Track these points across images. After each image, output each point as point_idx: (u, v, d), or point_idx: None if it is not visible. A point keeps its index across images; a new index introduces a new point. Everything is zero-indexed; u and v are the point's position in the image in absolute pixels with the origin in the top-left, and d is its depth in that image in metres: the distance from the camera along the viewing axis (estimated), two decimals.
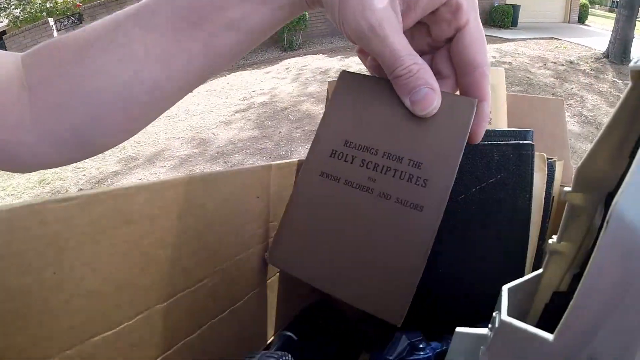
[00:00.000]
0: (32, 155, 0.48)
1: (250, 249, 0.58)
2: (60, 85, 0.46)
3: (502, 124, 0.68)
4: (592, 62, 9.68)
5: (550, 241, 0.41)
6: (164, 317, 0.46)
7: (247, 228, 0.57)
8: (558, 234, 0.40)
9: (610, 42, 9.99)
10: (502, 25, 13.14)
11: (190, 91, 0.51)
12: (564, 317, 0.28)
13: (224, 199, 0.52)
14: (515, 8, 13.46)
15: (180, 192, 0.46)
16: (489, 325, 0.41)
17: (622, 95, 0.33)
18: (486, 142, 0.60)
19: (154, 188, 0.43)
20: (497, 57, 9.57)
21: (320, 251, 0.48)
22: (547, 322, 0.39)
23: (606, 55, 9.93)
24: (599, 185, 0.37)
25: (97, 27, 0.47)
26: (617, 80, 8.47)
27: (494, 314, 0.40)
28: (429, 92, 0.43)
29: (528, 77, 7.81)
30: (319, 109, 5.83)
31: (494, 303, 0.43)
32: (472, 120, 0.45)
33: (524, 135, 0.62)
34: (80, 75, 0.45)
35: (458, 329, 0.48)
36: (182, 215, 0.46)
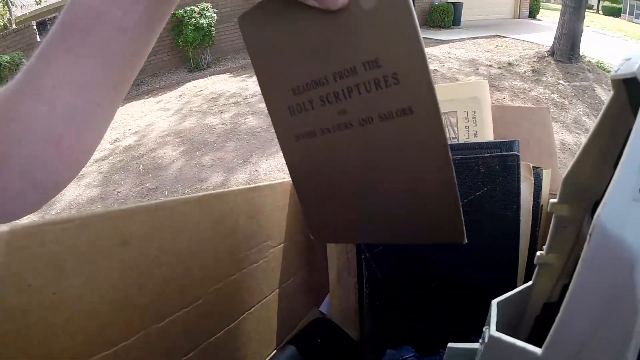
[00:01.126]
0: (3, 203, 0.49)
1: (245, 269, 0.58)
2: (2, 134, 0.47)
3: (488, 136, 0.69)
4: (534, 62, 8.60)
5: (538, 253, 0.41)
6: (160, 336, 0.46)
7: (240, 248, 0.57)
8: (546, 245, 0.40)
9: (555, 37, 8.76)
10: (442, 25, 12.16)
11: (116, 103, 0.51)
12: (551, 331, 0.29)
13: (218, 220, 0.52)
14: (457, 6, 12.54)
15: (176, 213, 0.46)
16: (480, 340, 0.41)
17: (605, 105, 0.33)
18: (472, 155, 0.60)
19: (150, 209, 0.44)
20: None
21: (351, 209, 0.44)
22: (539, 334, 0.39)
23: (551, 52, 8.79)
24: (585, 195, 0.37)
25: (18, 75, 0.48)
26: (563, 82, 7.44)
27: (484, 328, 0.40)
28: None
29: None
30: (176, 154, 5.34)
31: (487, 315, 0.43)
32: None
33: (509, 145, 0.62)
34: (11, 121, 0.46)
35: (450, 344, 0.48)
36: (177, 235, 0.47)
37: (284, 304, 0.71)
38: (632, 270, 0.24)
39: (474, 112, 0.67)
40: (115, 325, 0.42)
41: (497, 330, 0.37)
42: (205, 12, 10.59)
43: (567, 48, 8.55)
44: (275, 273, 0.67)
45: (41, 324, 0.35)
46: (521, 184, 0.60)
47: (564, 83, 7.43)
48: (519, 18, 15.57)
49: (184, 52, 10.69)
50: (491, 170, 0.59)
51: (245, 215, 0.57)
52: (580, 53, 8.80)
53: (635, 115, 0.27)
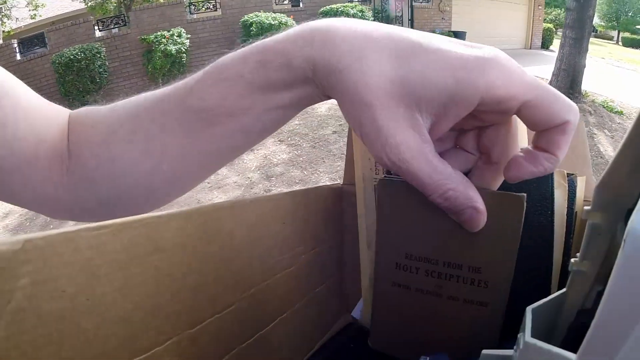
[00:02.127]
0: (65, 211, 0.51)
1: (277, 274, 0.58)
2: (89, 161, 0.48)
3: (522, 142, 0.67)
4: None
5: (572, 260, 0.41)
6: (192, 342, 0.46)
7: (272, 254, 0.57)
8: (580, 252, 0.40)
9: (553, 74, 7.49)
10: None
11: (207, 177, 0.54)
12: (586, 337, 0.28)
13: (251, 226, 0.52)
14: (459, 35, 11.38)
15: (209, 220, 0.46)
16: (514, 347, 0.41)
17: (638, 112, 0.33)
18: None
19: (184, 216, 0.43)
20: None
21: (410, 338, 0.57)
22: (573, 341, 0.38)
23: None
24: (619, 202, 0.36)
25: (122, 113, 0.49)
26: None
27: (519, 335, 0.40)
28: (473, 214, 0.43)
29: None
30: None
31: (520, 323, 0.43)
32: (523, 218, 0.48)
33: None
34: (107, 157, 0.48)
35: (484, 351, 0.47)
36: (210, 242, 0.47)
37: (316, 309, 0.71)
38: None
39: None
40: (148, 332, 0.42)
41: (532, 336, 0.37)
42: (175, 37, 10.07)
43: (565, 86, 7.20)
44: (307, 279, 0.67)
45: (74, 329, 0.36)
46: (555, 190, 0.59)
47: None
48: (530, 49, 14.93)
49: (153, 79, 10.28)
50: None
51: (277, 221, 0.57)
52: (583, 91, 7.52)
53: None
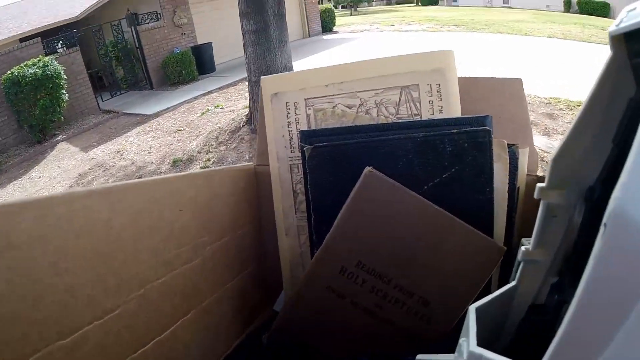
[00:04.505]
0: None
1: (175, 270, 0.51)
2: None
3: (455, 112, 0.62)
4: (219, 144, 4.92)
5: (523, 248, 0.36)
6: (67, 354, 0.39)
7: (168, 247, 0.50)
8: (532, 239, 0.36)
9: (249, 92, 4.94)
10: (180, 81, 8.49)
11: None
12: (552, 347, 0.23)
13: (135, 214, 0.45)
14: (203, 49, 9.14)
15: (78, 208, 0.39)
16: (456, 353, 0.36)
17: (601, 70, 0.28)
18: (436, 132, 0.53)
19: (42, 204, 0.36)
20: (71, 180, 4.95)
21: (315, 347, 0.55)
22: (522, 340, 0.35)
23: (249, 119, 5.09)
24: (578, 178, 0.32)
25: None
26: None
27: (461, 339, 0.35)
28: None
29: None
30: None
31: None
32: (493, 272, 0.48)
33: (481, 121, 0.55)
34: None
35: (420, 356, 0.43)
36: (81, 235, 0.40)
37: (231, 305, 0.64)
38: None
39: (439, 85, 0.61)
40: (8, 344, 0.35)
41: (477, 341, 0.32)
42: None
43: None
44: (216, 272, 0.60)
45: None
46: (494, 163, 0.54)
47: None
48: (309, 37, 13.75)
49: None
50: (459, 148, 0.53)
51: (172, 208, 0.50)
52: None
53: (638, 79, 0.21)
